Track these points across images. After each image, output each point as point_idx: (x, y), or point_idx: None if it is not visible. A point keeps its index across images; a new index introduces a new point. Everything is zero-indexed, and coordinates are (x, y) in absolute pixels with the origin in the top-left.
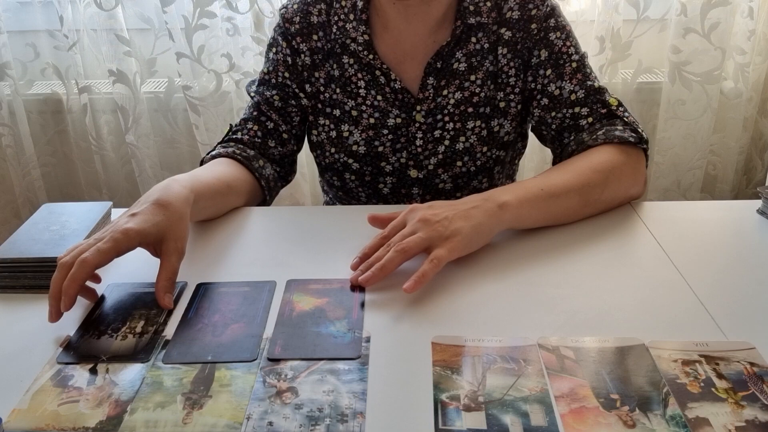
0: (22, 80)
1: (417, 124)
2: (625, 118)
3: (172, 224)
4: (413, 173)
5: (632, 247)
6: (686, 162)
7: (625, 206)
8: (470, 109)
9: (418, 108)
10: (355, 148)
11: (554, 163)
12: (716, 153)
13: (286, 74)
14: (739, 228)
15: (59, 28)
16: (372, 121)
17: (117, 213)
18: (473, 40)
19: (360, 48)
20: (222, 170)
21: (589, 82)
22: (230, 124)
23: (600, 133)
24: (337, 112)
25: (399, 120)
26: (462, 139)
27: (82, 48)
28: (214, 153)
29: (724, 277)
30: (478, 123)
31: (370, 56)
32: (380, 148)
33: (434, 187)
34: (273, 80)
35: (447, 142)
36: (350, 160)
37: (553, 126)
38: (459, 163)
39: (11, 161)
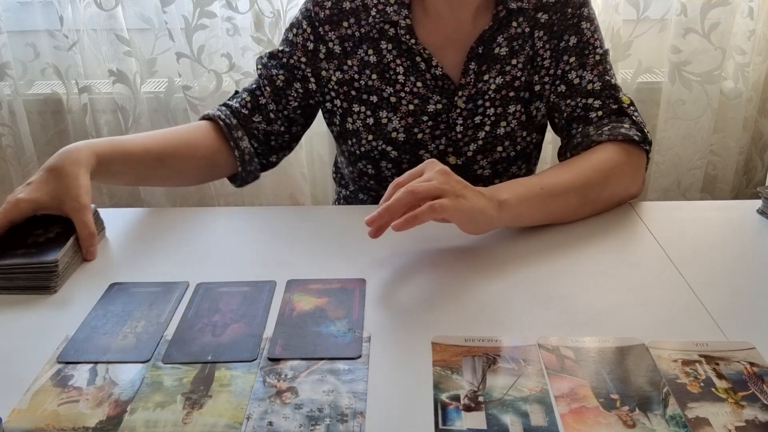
0: (22, 80)
1: (458, 110)
2: (633, 117)
3: (65, 186)
4: (452, 160)
5: (632, 247)
6: (686, 162)
7: (625, 206)
8: (511, 93)
9: (460, 93)
10: (394, 135)
11: (559, 151)
12: (716, 153)
13: (303, 59)
14: (739, 228)
15: (59, 28)
16: (411, 107)
17: (113, 213)
18: (514, 24)
19: (402, 32)
20: (170, 142)
21: (607, 77)
22: (236, 90)
23: (606, 128)
24: (374, 99)
25: (440, 106)
26: (503, 124)
27: (82, 48)
28: (209, 112)
29: (724, 277)
30: (518, 107)
31: (412, 41)
32: (419, 135)
33: (473, 173)
34: (284, 59)
35: (488, 128)
36: (389, 148)
37: (565, 114)
38: (499, 149)
39: (11, 161)
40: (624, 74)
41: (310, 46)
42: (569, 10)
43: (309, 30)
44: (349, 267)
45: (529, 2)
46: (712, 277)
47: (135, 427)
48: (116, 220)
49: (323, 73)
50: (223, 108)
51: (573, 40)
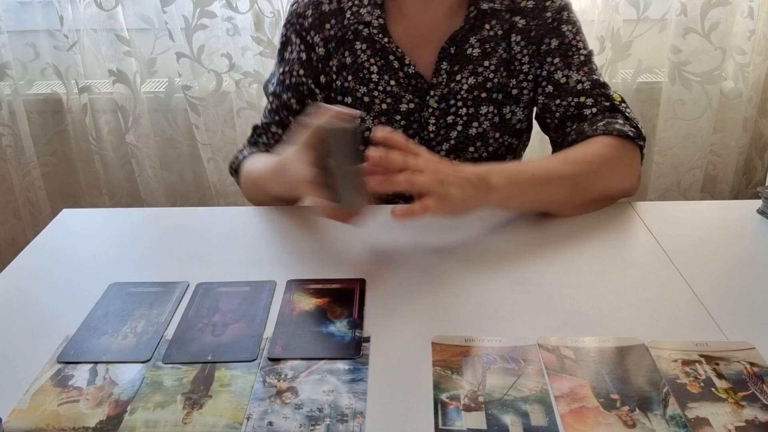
0: (22, 80)
1: (430, 110)
2: (626, 113)
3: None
4: None
5: (632, 247)
6: (686, 162)
7: (625, 206)
8: (483, 95)
9: (432, 93)
10: (366, 134)
11: (554, 151)
12: (716, 153)
13: (301, 71)
14: (739, 228)
15: (59, 28)
16: (384, 106)
17: (113, 213)
18: (487, 26)
19: (375, 31)
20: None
21: (594, 76)
22: (253, 126)
23: (600, 124)
24: (348, 100)
25: (412, 105)
26: (475, 124)
27: (82, 48)
28: (246, 154)
29: (724, 277)
30: (490, 109)
31: (385, 39)
32: None
33: None
34: (287, 81)
35: (459, 128)
36: (361, 147)
37: (557, 114)
38: (471, 149)
39: (11, 161)
40: (624, 74)
41: (304, 56)
42: (548, 14)
43: (298, 41)
44: (349, 267)
45: (502, 3)
46: (712, 277)
47: (135, 427)
48: (116, 220)
49: (321, 79)
50: (262, 146)
51: (554, 43)
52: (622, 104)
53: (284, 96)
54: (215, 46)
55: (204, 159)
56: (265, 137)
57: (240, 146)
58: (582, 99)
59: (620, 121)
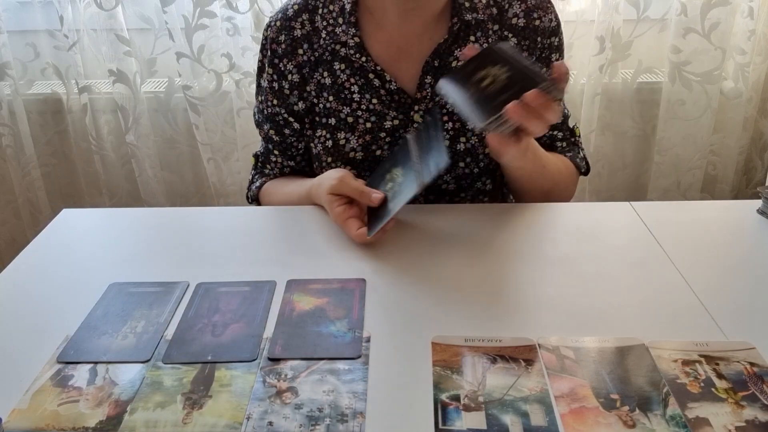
0: (22, 80)
1: (415, 125)
2: (582, 148)
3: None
4: None
5: (632, 247)
6: (686, 162)
7: (625, 206)
8: None
9: (416, 108)
10: (352, 155)
11: None
12: (716, 153)
13: (275, 101)
14: (739, 228)
15: (59, 28)
16: (368, 125)
17: (113, 213)
18: (472, 38)
19: (351, 51)
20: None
21: (565, 110)
22: (254, 155)
23: (568, 156)
24: (332, 121)
25: (396, 122)
26: (462, 139)
27: (82, 48)
28: (259, 185)
29: (724, 277)
30: None
31: (363, 59)
32: (378, 152)
33: (437, 188)
34: (265, 111)
35: (447, 143)
36: (347, 168)
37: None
38: (461, 164)
39: (11, 161)
40: (624, 74)
41: (276, 86)
42: (539, 38)
43: (272, 71)
44: (349, 267)
45: (485, 13)
46: (712, 277)
47: (135, 427)
48: (116, 220)
49: (294, 108)
50: (265, 178)
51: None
52: (578, 137)
53: (265, 127)
54: (215, 46)
55: (204, 159)
56: (269, 166)
57: (249, 177)
58: (555, 132)
59: (579, 156)
